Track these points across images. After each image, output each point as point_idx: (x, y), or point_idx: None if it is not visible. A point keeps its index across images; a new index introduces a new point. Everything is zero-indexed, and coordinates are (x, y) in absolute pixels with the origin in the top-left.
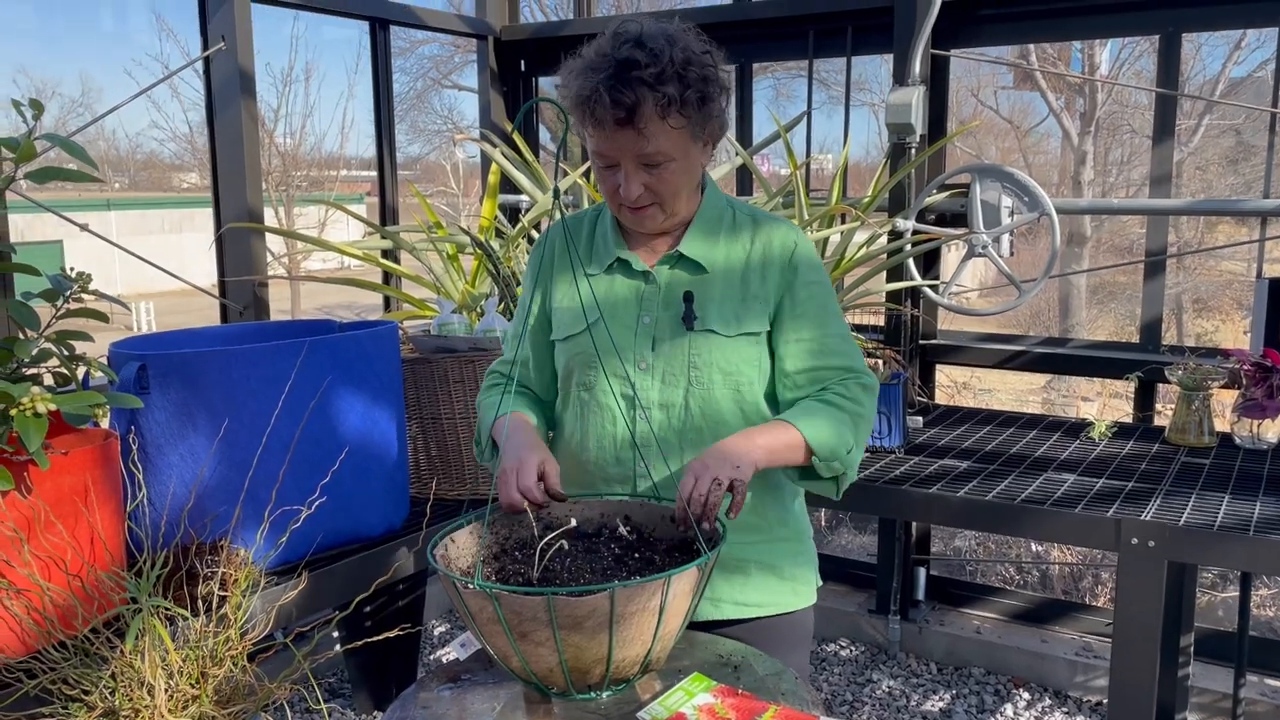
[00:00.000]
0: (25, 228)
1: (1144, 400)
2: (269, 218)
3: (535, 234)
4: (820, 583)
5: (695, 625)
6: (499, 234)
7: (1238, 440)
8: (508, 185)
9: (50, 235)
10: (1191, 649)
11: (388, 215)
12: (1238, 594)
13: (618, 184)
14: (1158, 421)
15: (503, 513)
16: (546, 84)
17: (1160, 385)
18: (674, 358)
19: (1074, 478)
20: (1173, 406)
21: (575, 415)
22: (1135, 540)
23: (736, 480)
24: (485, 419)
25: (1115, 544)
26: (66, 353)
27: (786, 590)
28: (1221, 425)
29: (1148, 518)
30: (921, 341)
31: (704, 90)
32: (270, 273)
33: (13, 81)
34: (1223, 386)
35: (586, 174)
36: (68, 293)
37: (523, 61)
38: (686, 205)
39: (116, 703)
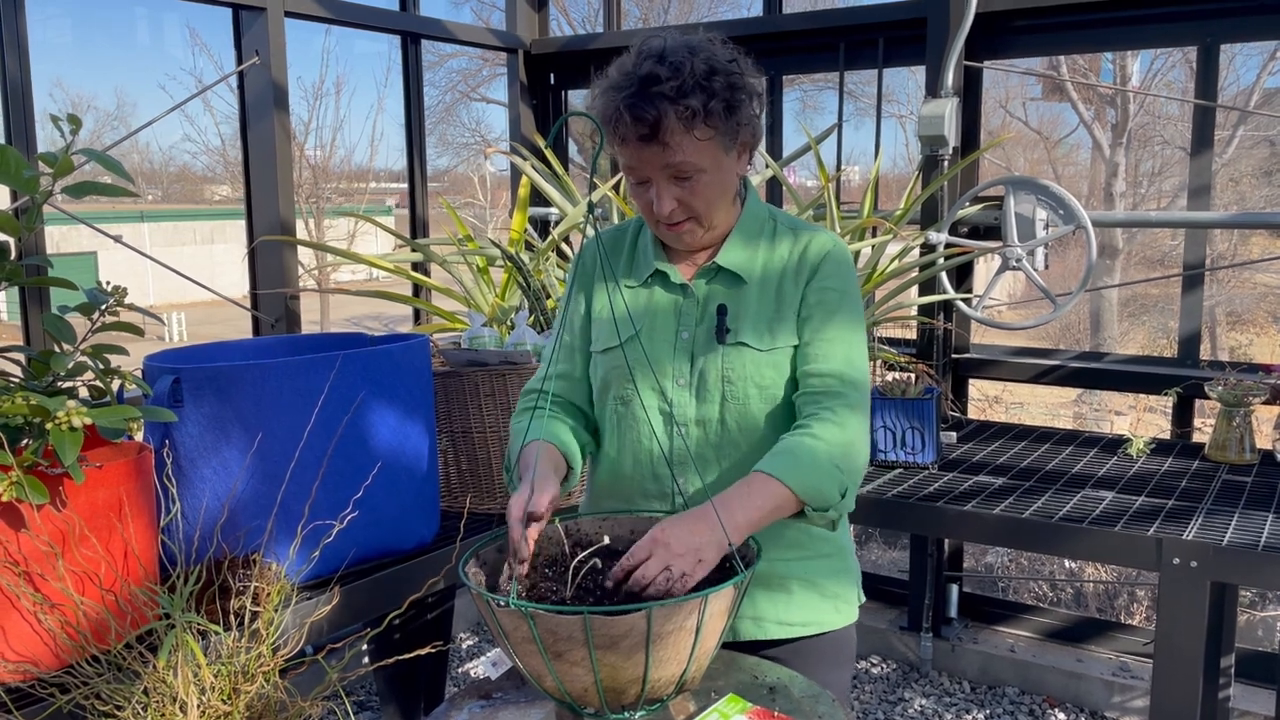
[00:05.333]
0: (60, 239)
1: (1181, 416)
2: (299, 229)
3: (565, 247)
4: (863, 599)
5: (739, 646)
6: (529, 247)
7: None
8: (537, 198)
9: (85, 246)
10: (1232, 670)
11: (418, 228)
12: (1279, 613)
13: (650, 200)
14: (1196, 438)
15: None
16: (576, 97)
17: (1198, 400)
18: (709, 372)
19: (1112, 495)
20: (1210, 422)
21: (612, 429)
22: (1177, 560)
23: (689, 577)
24: (514, 447)
25: (1156, 564)
26: (101, 366)
27: (829, 608)
28: (1262, 442)
29: (1189, 537)
30: (954, 355)
31: (730, 98)
32: (301, 285)
33: (49, 95)
34: (1264, 402)
35: (616, 187)
36: (103, 306)
37: (552, 75)
38: (725, 217)
39: (149, 719)
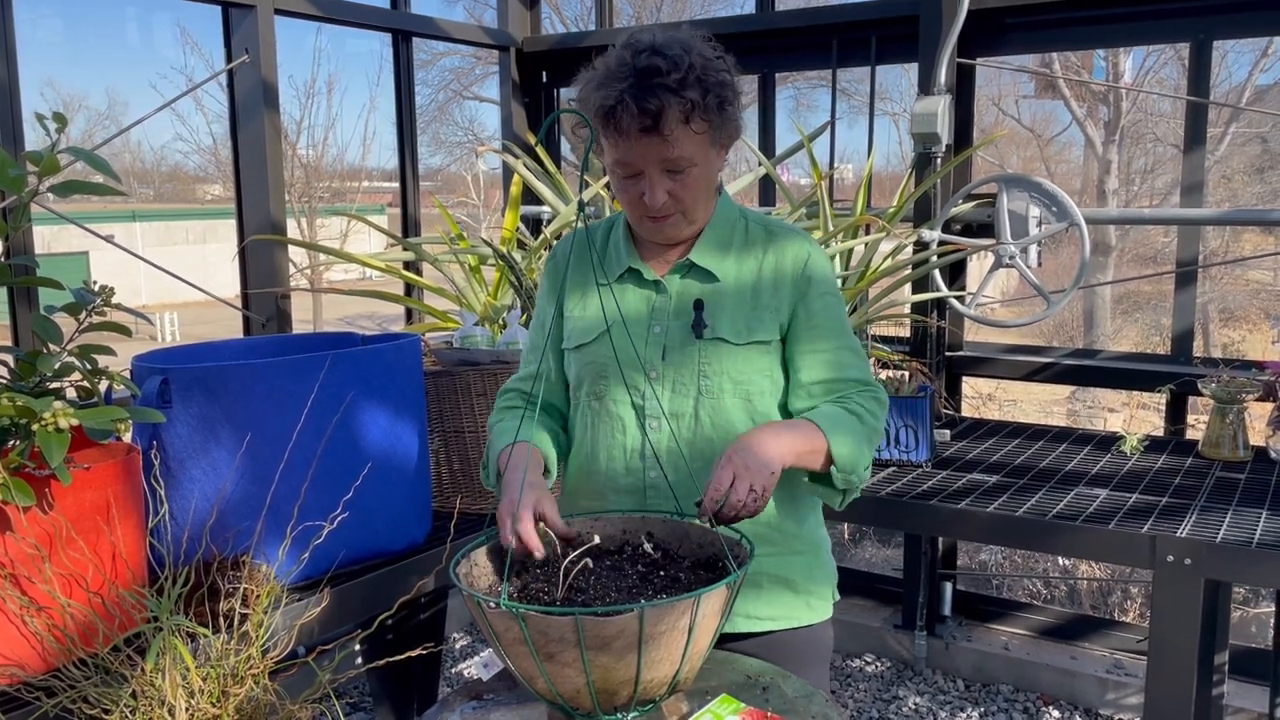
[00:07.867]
0: (51, 239)
1: (1175, 413)
2: (291, 229)
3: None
4: (838, 597)
5: None
6: (521, 245)
7: (1273, 454)
8: (530, 196)
9: (76, 246)
10: (1226, 667)
11: (410, 227)
12: (1272, 609)
13: (640, 193)
14: (1190, 435)
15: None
16: (568, 95)
17: (1191, 397)
18: (684, 366)
19: (1106, 493)
20: (1204, 419)
21: (585, 425)
22: (1171, 558)
23: (768, 490)
24: (494, 444)
25: (1151, 561)
26: (89, 366)
27: (800, 605)
28: (1255, 439)
29: (1183, 534)
30: (948, 353)
31: (722, 94)
32: (293, 284)
33: (40, 95)
34: (1257, 399)
35: (609, 185)
36: (90, 306)
37: (544, 73)
38: (704, 212)
39: None
